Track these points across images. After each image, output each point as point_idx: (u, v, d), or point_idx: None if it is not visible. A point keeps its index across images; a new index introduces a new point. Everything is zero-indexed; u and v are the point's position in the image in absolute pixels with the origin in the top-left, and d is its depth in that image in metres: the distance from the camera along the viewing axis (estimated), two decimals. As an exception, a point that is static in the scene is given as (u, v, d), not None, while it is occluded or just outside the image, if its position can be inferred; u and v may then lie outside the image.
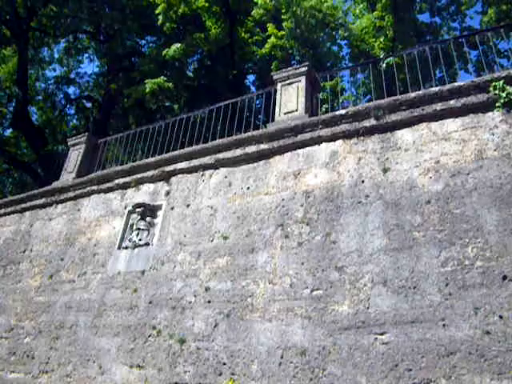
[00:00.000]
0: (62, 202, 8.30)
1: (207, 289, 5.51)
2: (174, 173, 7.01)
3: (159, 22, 13.89)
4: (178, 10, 13.71)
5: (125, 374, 5.51)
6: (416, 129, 5.24)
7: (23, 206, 8.89)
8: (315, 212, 5.30)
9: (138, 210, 6.86)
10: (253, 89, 18.22)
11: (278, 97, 6.79)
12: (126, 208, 7.16)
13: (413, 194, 4.81)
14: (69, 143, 9.37)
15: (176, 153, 7.17)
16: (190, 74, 16.31)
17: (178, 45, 13.55)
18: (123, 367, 5.59)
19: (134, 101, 14.38)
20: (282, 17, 13.57)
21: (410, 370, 3.95)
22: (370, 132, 5.53)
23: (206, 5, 14.20)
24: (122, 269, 6.53)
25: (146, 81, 13.34)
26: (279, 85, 6.83)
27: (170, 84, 13.42)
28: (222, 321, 5.16)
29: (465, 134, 4.88)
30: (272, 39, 13.99)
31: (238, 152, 6.39)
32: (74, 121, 21.27)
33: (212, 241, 5.89)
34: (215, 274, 5.56)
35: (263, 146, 6.22)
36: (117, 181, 7.63)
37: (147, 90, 13.16)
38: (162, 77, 13.44)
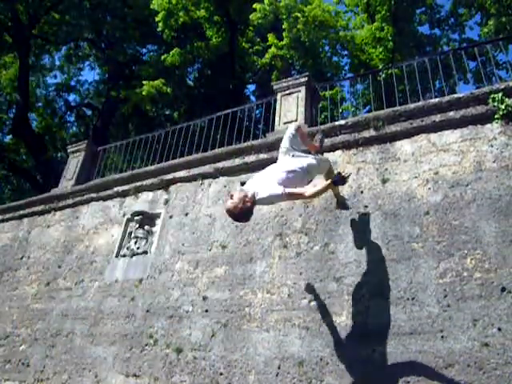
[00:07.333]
0: (60, 209, 8.28)
1: (205, 298, 5.49)
2: (173, 181, 7.00)
3: (159, 28, 13.99)
4: (178, 19, 13.82)
5: (121, 383, 5.48)
6: (415, 140, 5.24)
7: (21, 212, 8.87)
8: (314, 222, 5.29)
9: (136, 218, 6.85)
10: (253, 98, 18.33)
11: (277, 107, 6.79)
12: (124, 216, 7.14)
13: (411, 205, 4.80)
14: (68, 150, 9.38)
15: (175, 161, 7.17)
16: (190, 83, 16.40)
17: (180, 51, 13.67)
18: (119, 376, 5.55)
19: (133, 107, 14.42)
20: (283, 26, 13.65)
21: (408, 382, 3.92)
22: (369, 143, 5.53)
23: (207, 15, 14.30)
24: (119, 277, 6.50)
25: (144, 82, 13.39)
26: (279, 95, 6.84)
27: (169, 89, 13.48)
28: (220, 330, 5.13)
29: (464, 146, 4.89)
30: (272, 49, 14.07)
31: (238, 161, 6.39)
32: (74, 128, 21.39)
33: (210, 250, 5.88)
34: (213, 283, 5.53)
35: (262, 156, 6.22)
36: (116, 189, 7.62)
37: (144, 93, 13.23)
38: (160, 79, 13.50)
